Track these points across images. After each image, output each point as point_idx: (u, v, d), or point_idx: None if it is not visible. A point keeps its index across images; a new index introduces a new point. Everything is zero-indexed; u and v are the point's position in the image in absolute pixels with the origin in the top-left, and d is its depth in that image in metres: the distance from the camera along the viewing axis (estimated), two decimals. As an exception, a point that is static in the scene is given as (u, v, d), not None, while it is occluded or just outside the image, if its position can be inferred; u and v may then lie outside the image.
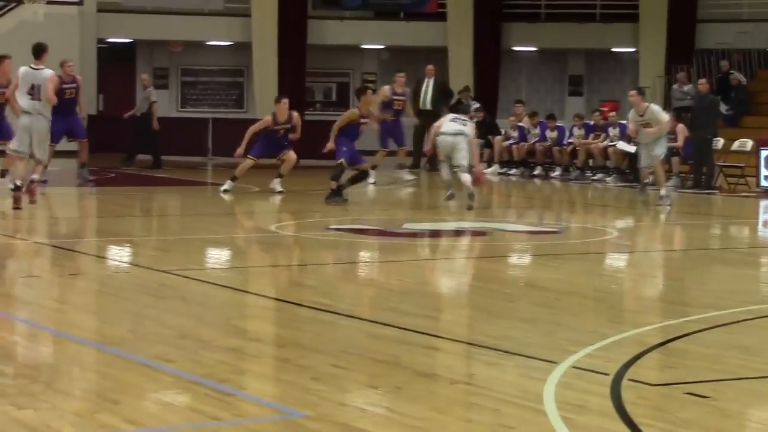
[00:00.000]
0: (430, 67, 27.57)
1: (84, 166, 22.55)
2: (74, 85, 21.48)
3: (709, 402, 6.40)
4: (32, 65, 17.07)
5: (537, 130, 27.50)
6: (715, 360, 7.63)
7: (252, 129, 20.76)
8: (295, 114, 20.94)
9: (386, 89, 24.28)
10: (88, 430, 5.85)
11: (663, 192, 19.31)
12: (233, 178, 20.34)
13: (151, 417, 6.12)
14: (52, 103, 17.01)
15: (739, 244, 16.42)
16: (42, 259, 12.68)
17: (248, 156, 20.48)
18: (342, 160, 19.16)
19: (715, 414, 6.20)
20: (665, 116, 19.75)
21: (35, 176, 17.01)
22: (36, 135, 16.81)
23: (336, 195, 18.84)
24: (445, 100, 27.44)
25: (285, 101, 20.67)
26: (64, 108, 19.78)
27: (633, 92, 19.92)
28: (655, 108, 19.75)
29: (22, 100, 16.82)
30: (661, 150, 19.75)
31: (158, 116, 26.31)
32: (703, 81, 24.91)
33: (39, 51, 17.29)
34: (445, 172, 18.70)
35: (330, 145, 19.42)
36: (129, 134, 27.15)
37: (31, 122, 16.79)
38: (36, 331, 8.44)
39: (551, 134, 27.40)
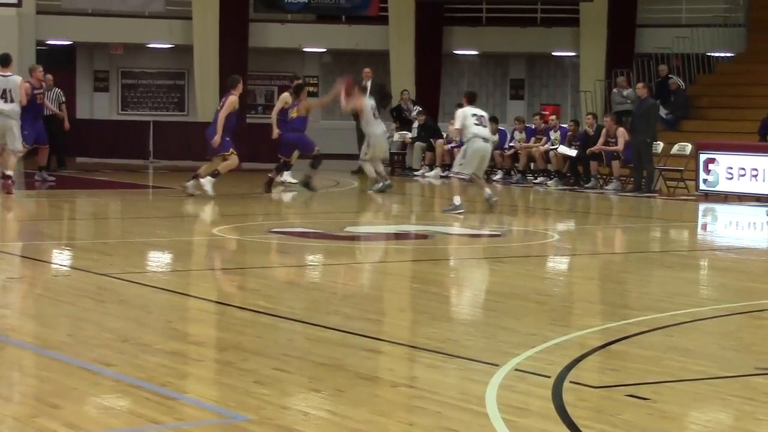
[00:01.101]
0: (367, 69, 27.52)
1: (42, 170, 22.76)
2: (41, 90, 22.24)
3: (650, 404, 6.44)
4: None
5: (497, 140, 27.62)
6: (655, 362, 7.68)
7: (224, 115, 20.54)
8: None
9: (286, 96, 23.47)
10: (28, 434, 5.82)
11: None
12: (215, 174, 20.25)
13: (91, 421, 6.08)
14: (23, 104, 19.91)
15: (679, 247, 16.55)
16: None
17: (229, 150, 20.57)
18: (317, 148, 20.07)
19: (656, 416, 6.24)
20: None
21: (9, 171, 19.52)
22: (9, 133, 19.65)
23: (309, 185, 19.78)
24: (383, 103, 27.48)
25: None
26: (33, 112, 20.83)
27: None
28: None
29: None
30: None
31: (99, 119, 26.10)
32: (641, 85, 25.06)
33: (6, 60, 20.10)
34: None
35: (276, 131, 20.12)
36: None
37: (4, 123, 19.62)
38: (-26, 335, 8.37)
39: (492, 137, 27.48)
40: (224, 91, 21.50)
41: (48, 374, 7.15)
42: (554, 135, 26.28)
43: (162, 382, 6.80)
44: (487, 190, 19.06)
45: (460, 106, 28.57)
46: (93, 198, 21.42)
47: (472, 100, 19.63)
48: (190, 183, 20.02)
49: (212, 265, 13.06)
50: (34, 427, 5.91)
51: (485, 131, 19.14)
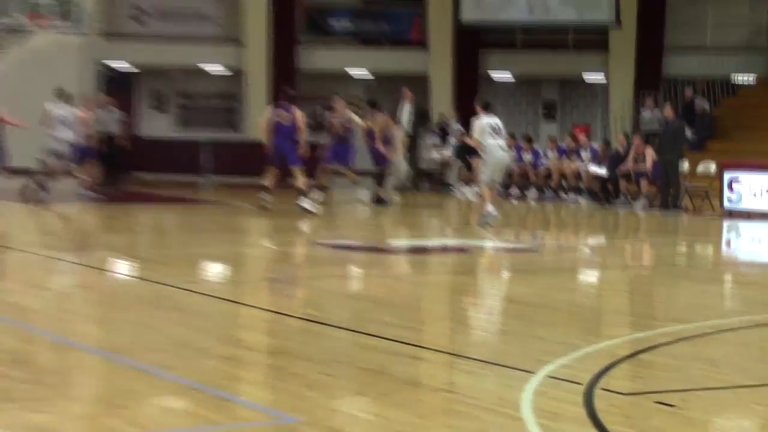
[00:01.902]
0: (406, 91, 27.48)
1: (92, 185, 22.96)
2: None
3: (677, 411, 6.43)
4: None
5: (513, 152, 27.55)
6: (681, 371, 7.66)
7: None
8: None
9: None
10: (94, 431, 5.89)
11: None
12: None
13: (152, 420, 6.13)
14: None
15: (704, 262, 16.48)
16: (49, 271, 12.67)
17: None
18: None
19: (682, 422, 6.23)
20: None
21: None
22: None
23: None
24: (422, 122, 27.58)
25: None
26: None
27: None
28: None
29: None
30: None
31: (156, 138, 26.22)
32: (669, 107, 25.02)
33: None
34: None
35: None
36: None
37: None
38: (45, 340, 8.44)
39: (527, 156, 27.48)
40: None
41: (112, 376, 7.20)
42: (585, 154, 26.21)
43: (218, 385, 6.84)
44: (490, 207, 18.37)
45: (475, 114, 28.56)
46: (152, 211, 21.52)
47: (486, 108, 19.06)
48: (307, 200, 20.17)
49: (264, 276, 13.10)
50: (100, 425, 5.96)
51: (502, 141, 18.86)
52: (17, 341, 8.36)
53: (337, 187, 22.84)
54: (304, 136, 20.15)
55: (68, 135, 21.83)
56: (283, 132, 19.96)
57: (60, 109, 22.02)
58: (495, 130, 18.62)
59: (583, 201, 25.39)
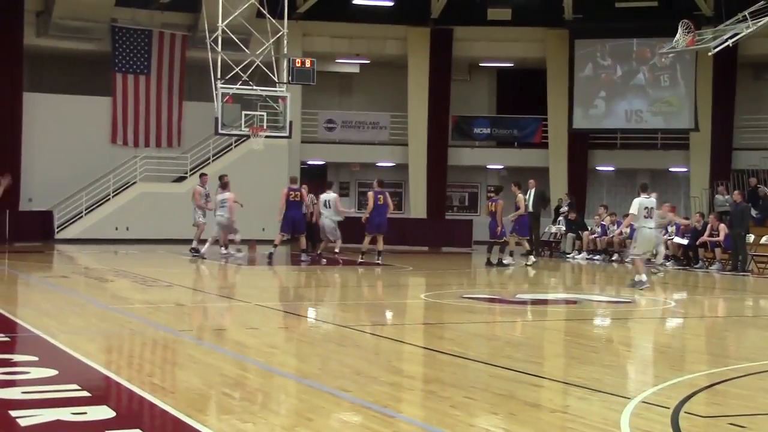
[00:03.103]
0: (531, 181, 27.34)
1: (304, 252, 23.27)
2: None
3: (746, 430, 6.16)
4: None
5: (615, 227, 27.10)
6: (750, 399, 7.36)
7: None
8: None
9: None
10: (290, 439, 5.87)
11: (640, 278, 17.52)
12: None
13: (333, 430, 6.11)
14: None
15: (767, 313, 15.88)
16: (260, 316, 12.82)
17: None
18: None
19: (751, 440, 5.97)
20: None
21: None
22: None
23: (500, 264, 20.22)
24: (543, 204, 27.42)
25: None
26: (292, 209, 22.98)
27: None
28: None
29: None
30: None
31: (346, 216, 26.46)
32: (737, 193, 24.42)
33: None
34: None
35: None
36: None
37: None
38: (254, 368, 8.51)
39: (625, 230, 26.95)
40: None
41: (304, 396, 7.22)
42: (671, 228, 25.62)
43: (384, 404, 6.79)
44: (643, 277, 17.46)
45: (603, 206, 28.28)
46: (335, 272, 21.71)
47: (644, 189, 18.36)
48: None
49: (420, 321, 13.04)
50: (293, 433, 5.97)
51: (651, 222, 18.06)
52: (236, 368, 8.45)
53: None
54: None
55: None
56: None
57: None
58: (648, 212, 17.85)
59: (669, 264, 24.76)
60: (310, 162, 34.45)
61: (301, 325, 12.20)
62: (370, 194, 22.86)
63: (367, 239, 22.71)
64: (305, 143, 33.87)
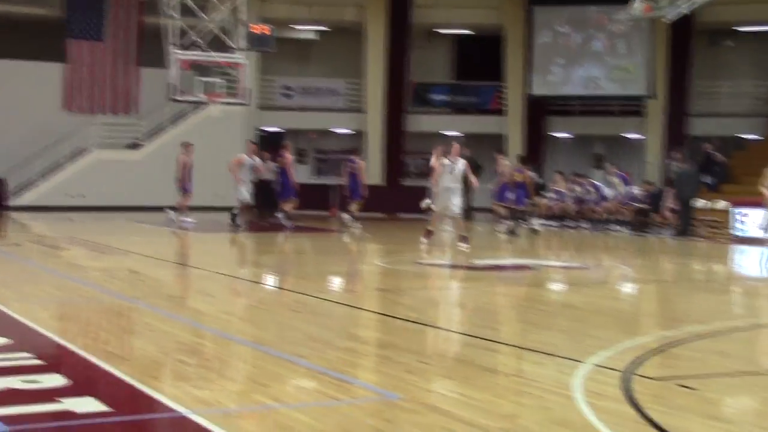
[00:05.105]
0: (456, 145, 27.12)
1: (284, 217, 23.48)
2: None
3: (696, 392, 6.25)
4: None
5: (574, 191, 27.25)
6: (700, 361, 7.47)
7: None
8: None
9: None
10: (245, 404, 5.86)
11: None
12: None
13: (289, 396, 6.12)
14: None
15: (717, 277, 16.10)
16: (215, 282, 12.79)
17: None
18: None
19: (701, 401, 6.05)
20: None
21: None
22: None
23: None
24: (474, 172, 27.56)
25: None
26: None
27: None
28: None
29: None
30: None
31: (299, 183, 26.39)
32: (680, 155, 25.01)
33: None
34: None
35: None
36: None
37: None
38: (210, 335, 8.49)
39: (589, 191, 27.06)
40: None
41: (259, 363, 7.21)
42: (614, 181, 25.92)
43: (339, 370, 6.81)
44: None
45: (559, 172, 28.45)
46: (294, 239, 21.68)
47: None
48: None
49: (376, 287, 13.07)
50: (248, 399, 5.96)
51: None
52: (191, 335, 8.43)
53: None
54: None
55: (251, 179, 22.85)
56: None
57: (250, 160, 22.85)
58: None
59: (624, 230, 25.00)
60: (267, 129, 34.26)
61: (257, 292, 12.18)
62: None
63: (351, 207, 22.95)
64: (262, 110, 33.67)
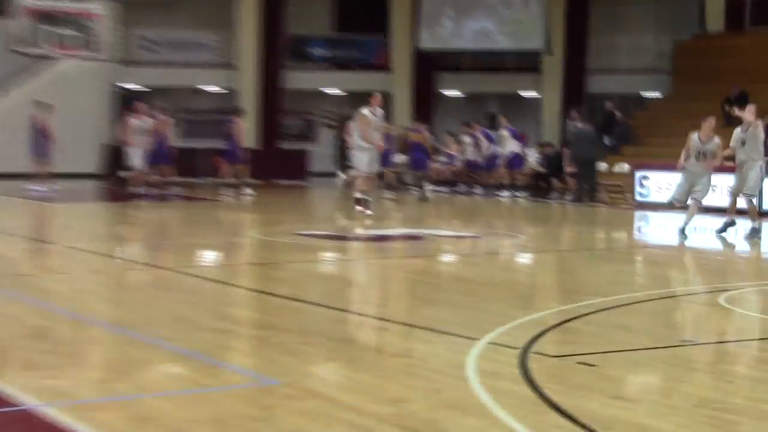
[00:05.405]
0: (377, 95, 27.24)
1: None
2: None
3: (597, 369, 6.36)
4: None
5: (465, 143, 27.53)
6: (601, 336, 7.61)
7: None
8: None
9: None
10: (104, 394, 5.73)
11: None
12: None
13: (153, 384, 6.00)
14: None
15: (619, 246, 16.46)
16: (69, 259, 12.51)
17: None
18: None
19: (601, 379, 6.15)
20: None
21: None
22: None
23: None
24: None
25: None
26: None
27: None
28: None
29: None
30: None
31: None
32: (576, 114, 25.50)
33: None
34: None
35: None
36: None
37: None
38: (61, 317, 8.29)
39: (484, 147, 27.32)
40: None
41: (118, 347, 7.07)
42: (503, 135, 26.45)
43: (210, 353, 6.72)
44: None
45: (450, 134, 28.69)
46: (155, 207, 21.35)
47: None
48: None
49: (250, 261, 12.97)
50: (108, 388, 5.83)
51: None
52: (40, 318, 8.22)
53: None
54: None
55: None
56: None
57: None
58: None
59: (521, 196, 25.40)
60: (128, 86, 33.57)
61: (117, 268, 11.95)
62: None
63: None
64: (123, 65, 32.95)
